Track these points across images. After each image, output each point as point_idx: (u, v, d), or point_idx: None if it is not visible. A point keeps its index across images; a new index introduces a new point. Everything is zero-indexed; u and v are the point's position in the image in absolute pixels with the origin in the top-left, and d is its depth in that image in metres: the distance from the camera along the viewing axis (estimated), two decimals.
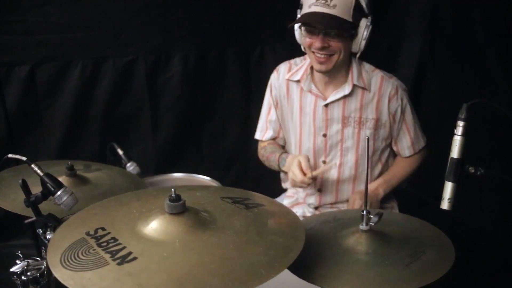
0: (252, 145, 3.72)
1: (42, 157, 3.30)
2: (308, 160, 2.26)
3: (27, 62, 3.23)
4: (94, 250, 1.35)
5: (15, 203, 2.12)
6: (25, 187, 1.91)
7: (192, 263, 1.27)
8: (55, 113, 3.35)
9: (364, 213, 1.55)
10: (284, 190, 2.68)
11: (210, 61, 3.52)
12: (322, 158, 2.41)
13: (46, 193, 1.90)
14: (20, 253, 2.09)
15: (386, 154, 2.44)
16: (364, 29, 2.16)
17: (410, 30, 3.56)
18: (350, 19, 2.12)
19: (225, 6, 3.43)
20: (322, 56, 2.19)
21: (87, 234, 1.43)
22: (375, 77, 2.32)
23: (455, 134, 1.47)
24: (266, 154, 2.57)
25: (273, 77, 2.52)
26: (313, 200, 2.46)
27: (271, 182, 2.85)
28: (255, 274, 1.23)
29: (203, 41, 3.47)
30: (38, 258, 2.04)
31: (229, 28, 3.48)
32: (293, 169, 2.24)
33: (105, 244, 1.36)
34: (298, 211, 2.49)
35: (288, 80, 2.44)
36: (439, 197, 2.85)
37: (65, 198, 1.88)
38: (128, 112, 3.50)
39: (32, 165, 1.91)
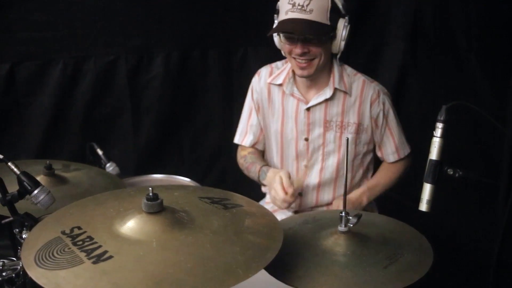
0: (233, 147, 3.72)
1: (21, 156, 3.25)
2: (289, 177, 2.25)
3: (7, 60, 3.18)
4: (69, 248, 1.33)
5: None
6: (1, 185, 1.89)
7: (168, 262, 1.25)
8: (34, 112, 3.30)
9: (343, 214, 1.55)
10: (264, 195, 2.66)
11: (192, 62, 3.50)
12: (304, 163, 2.41)
13: (23, 192, 1.87)
14: None
15: (368, 159, 2.44)
16: (342, 29, 2.16)
17: (392, 35, 3.58)
18: (328, 22, 2.13)
19: (208, 7, 3.42)
20: (303, 61, 2.20)
21: (63, 233, 1.41)
22: (357, 81, 2.32)
23: (434, 136, 1.48)
24: (246, 164, 2.56)
25: (255, 80, 2.52)
26: (293, 204, 2.45)
27: (251, 185, 2.84)
28: (231, 274, 1.22)
29: (186, 42, 3.46)
30: (14, 259, 2.01)
31: (212, 29, 3.47)
32: (275, 187, 2.23)
33: (80, 243, 1.35)
34: (278, 216, 2.47)
35: (270, 83, 2.44)
36: (417, 201, 2.87)
37: (42, 197, 1.86)
38: (109, 112, 3.46)
39: (9, 163, 1.88)
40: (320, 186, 2.40)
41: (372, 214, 2.14)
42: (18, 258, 1.97)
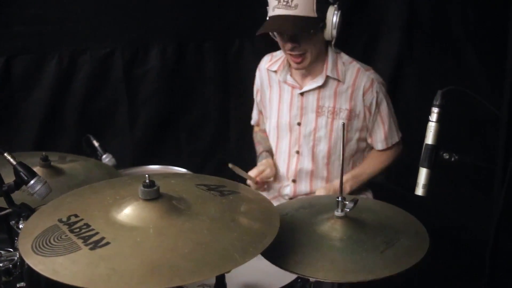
0: (230, 138, 3.74)
1: (17, 150, 3.23)
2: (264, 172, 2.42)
3: (2, 54, 3.15)
4: (66, 236, 1.33)
5: None
6: None
7: (165, 248, 1.26)
8: (30, 106, 3.28)
9: (339, 199, 1.55)
10: None
11: (189, 54, 3.50)
12: (296, 148, 2.44)
13: (19, 182, 1.87)
14: None
15: (361, 146, 2.45)
16: (332, 17, 2.17)
17: (388, 26, 3.58)
18: (315, 14, 2.14)
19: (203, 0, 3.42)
20: (296, 56, 2.24)
21: (60, 221, 1.41)
22: (351, 69, 2.34)
23: (430, 121, 1.48)
24: (255, 141, 2.69)
25: (258, 69, 2.62)
26: (288, 191, 2.47)
27: None
28: (228, 259, 1.22)
29: (182, 34, 3.45)
30: (11, 250, 2.02)
31: (208, 22, 3.46)
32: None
33: (77, 230, 1.35)
34: (274, 203, 2.48)
35: (268, 70, 2.50)
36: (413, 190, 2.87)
37: (38, 187, 1.85)
38: (105, 105, 3.44)
39: (5, 154, 1.87)
40: (313, 172, 2.42)
41: (368, 200, 2.15)
42: (16, 249, 1.97)
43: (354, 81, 2.32)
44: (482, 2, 3.24)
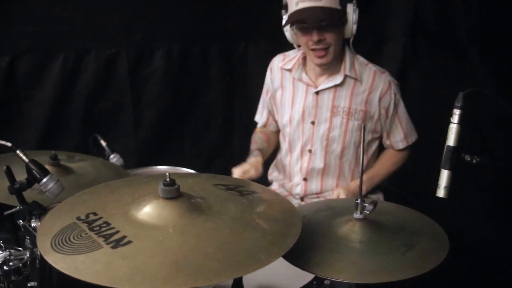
0: (234, 141, 3.72)
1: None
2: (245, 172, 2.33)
3: (7, 53, 3.14)
4: (86, 234, 1.31)
5: None
6: (9, 173, 1.87)
7: (188, 247, 1.24)
8: (35, 106, 3.26)
9: (359, 201, 1.54)
10: (268, 184, 2.66)
11: (193, 56, 3.48)
12: (309, 147, 2.43)
13: (31, 180, 1.86)
14: (1, 243, 2.04)
15: (373, 147, 2.46)
16: (352, 13, 2.21)
17: (392, 30, 3.57)
18: (339, 7, 2.17)
19: (209, 1, 3.40)
20: (320, 50, 2.24)
21: (78, 219, 1.39)
22: (368, 71, 2.35)
23: (451, 122, 1.47)
24: (252, 140, 2.66)
25: (268, 69, 2.60)
26: (299, 189, 2.45)
27: None
28: (254, 259, 1.21)
29: (187, 36, 3.43)
30: (21, 248, 1.99)
31: (213, 24, 3.45)
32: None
33: (97, 228, 1.33)
34: None
35: (282, 68, 2.49)
36: (418, 194, 2.86)
37: (51, 185, 1.84)
38: (110, 106, 3.42)
39: (18, 151, 1.86)
40: (324, 172, 2.42)
41: (384, 202, 2.13)
42: (26, 248, 1.95)
43: (371, 84, 2.33)
44: (487, 4, 3.24)
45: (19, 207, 1.91)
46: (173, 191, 1.38)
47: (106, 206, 1.45)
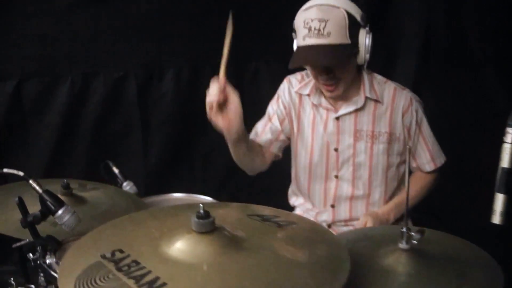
0: None
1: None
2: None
3: (14, 77, 3.05)
4: (113, 275, 1.19)
5: (7, 224, 1.96)
6: (22, 205, 1.76)
7: None
8: (42, 131, 3.17)
9: (404, 230, 1.42)
10: (292, 208, 2.53)
11: (204, 78, 3.37)
12: (335, 173, 2.30)
13: (46, 212, 1.74)
14: (12, 281, 1.93)
15: (401, 170, 2.33)
16: (364, 40, 2.06)
17: (404, 49, 3.49)
18: (348, 41, 2.03)
19: (218, 22, 3.31)
20: (330, 84, 2.14)
21: (103, 257, 1.27)
22: (388, 88, 2.23)
23: (505, 142, 1.35)
24: None
25: (283, 87, 2.40)
26: (326, 216, 2.33)
27: (268, 200, 2.71)
28: None
29: (197, 57, 3.35)
30: (33, 286, 1.88)
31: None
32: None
33: (126, 268, 1.20)
34: None
35: (298, 93, 2.34)
36: (439, 216, 2.72)
37: (67, 217, 1.73)
38: (118, 131, 3.34)
39: (30, 181, 1.75)
40: (352, 198, 2.29)
41: (429, 230, 1.99)
42: (39, 286, 1.83)
43: (392, 101, 2.21)
44: (502, 23, 3.16)
45: (27, 240, 1.80)
46: (208, 225, 1.26)
47: (133, 242, 1.32)
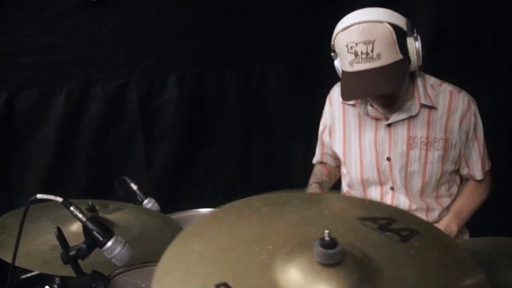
0: (254, 173, 3.42)
1: (22, 197, 2.84)
2: None
3: (5, 88, 2.78)
4: None
5: (29, 258, 1.73)
6: (61, 237, 1.52)
7: None
8: (36, 146, 2.91)
9: None
10: None
11: (208, 83, 3.23)
12: (390, 184, 2.14)
13: (91, 244, 1.51)
14: None
15: (454, 178, 2.19)
16: (414, 48, 1.92)
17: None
18: (400, 56, 1.87)
19: (222, 24, 3.13)
20: (388, 104, 2.03)
21: None
22: (443, 92, 2.08)
23: None
24: (312, 173, 2.38)
25: (327, 100, 2.29)
26: None
27: None
28: None
29: (200, 62, 3.19)
30: None
31: (228, 48, 3.22)
32: None
33: None
34: None
35: (343, 103, 2.19)
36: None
37: (118, 249, 1.52)
38: (119, 142, 3.11)
39: (71, 208, 1.52)
40: (410, 209, 2.13)
41: None
42: None
43: (449, 106, 2.06)
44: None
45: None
46: (336, 256, 1.05)
47: (237, 273, 1.10)
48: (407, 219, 1.29)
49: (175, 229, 2.02)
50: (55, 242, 1.70)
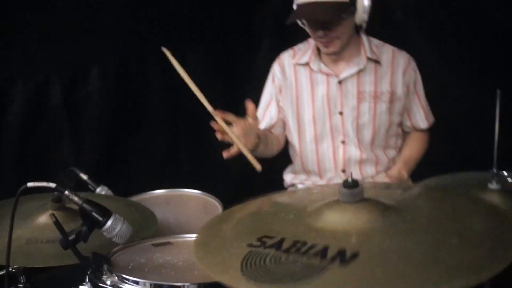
0: (181, 156, 3.47)
1: None
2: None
3: None
4: (286, 258, 1.09)
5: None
6: (57, 224, 1.53)
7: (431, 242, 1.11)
8: None
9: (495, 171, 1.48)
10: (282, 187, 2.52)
11: (131, 70, 3.21)
12: (341, 138, 2.33)
13: (90, 226, 1.54)
14: None
15: (399, 130, 2.43)
16: (363, 1, 2.13)
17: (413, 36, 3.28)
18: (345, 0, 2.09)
19: (140, 9, 3.15)
20: (326, 40, 2.18)
21: (251, 245, 1.16)
22: (386, 51, 2.32)
23: None
24: None
25: (276, 66, 2.43)
26: (338, 181, 2.33)
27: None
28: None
29: (122, 48, 3.18)
30: None
31: (149, 33, 3.21)
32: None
33: (294, 250, 1.11)
34: None
35: (296, 64, 2.36)
36: None
37: (118, 228, 1.54)
38: (45, 139, 3.05)
39: (66, 192, 1.54)
40: (361, 160, 2.34)
41: None
42: None
43: (392, 62, 2.29)
44: None
45: None
46: (359, 194, 1.22)
47: (275, 227, 1.23)
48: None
49: (142, 210, 2.06)
50: (29, 235, 1.74)
